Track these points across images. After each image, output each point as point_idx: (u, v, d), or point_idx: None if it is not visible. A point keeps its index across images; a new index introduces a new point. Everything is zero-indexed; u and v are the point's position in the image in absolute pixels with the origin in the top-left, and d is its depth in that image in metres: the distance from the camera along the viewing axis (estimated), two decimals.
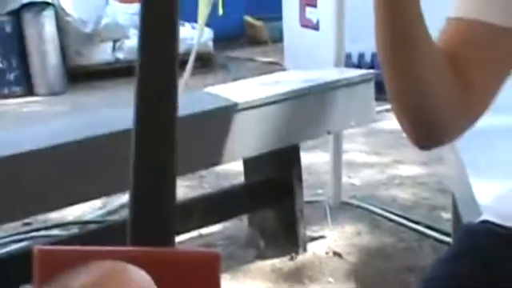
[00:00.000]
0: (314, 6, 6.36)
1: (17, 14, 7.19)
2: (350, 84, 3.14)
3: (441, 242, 3.14)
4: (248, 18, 9.00)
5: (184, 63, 3.97)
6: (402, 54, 0.97)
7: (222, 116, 2.76)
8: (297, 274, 2.99)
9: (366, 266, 3.03)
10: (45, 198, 2.31)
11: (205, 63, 7.56)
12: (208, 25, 6.31)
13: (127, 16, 7.49)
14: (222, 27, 7.67)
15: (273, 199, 3.14)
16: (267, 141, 2.88)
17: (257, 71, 6.40)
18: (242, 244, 3.24)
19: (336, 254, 3.12)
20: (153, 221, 0.62)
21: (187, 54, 4.90)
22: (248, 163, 3.16)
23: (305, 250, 3.12)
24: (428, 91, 0.99)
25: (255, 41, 8.82)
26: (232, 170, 3.86)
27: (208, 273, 0.59)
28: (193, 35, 6.42)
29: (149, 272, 0.56)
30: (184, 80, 4.06)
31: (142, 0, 0.65)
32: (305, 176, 3.35)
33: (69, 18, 7.32)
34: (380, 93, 2.23)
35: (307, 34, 6.49)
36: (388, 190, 3.87)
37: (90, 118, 3.11)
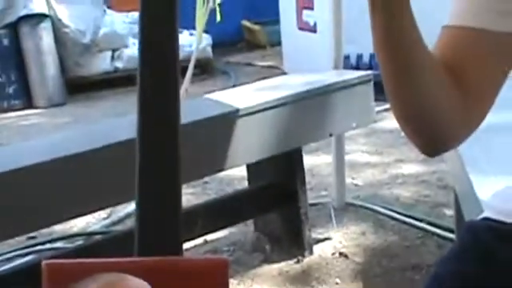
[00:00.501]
0: (311, 8, 6.36)
1: (14, 27, 7.16)
2: (349, 86, 3.14)
3: (444, 238, 3.15)
4: (245, 23, 8.99)
5: (183, 70, 3.97)
6: (398, 57, 0.99)
7: (224, 122, 2.76)
8: (304, 277, 2.99)
9: (372, 266, 3.03)
10: (49, 211, 2.31)
11: (204, 69, 7.56)
12: (206, 31, 6.32)
13: (125, 25, 7.48)
14: (220, 33, 7.68)
15: (277, 203, 3.14)
16: (270, 145, 2.88)
17: (256, 76, 6.40)
18: (248, 249, 3.24)
19: (342, 255, 3.12)
20: (160, 230, 0.63)
21: (186, 60, 4.91)
22: (251, 168, 3.17)
23: (311, 252, 3.12)
24: (427, 97, 1.01)
25: (253, 45, 8.80)
26: (235, 176, 3.86)
27: (217, 279, 0.60)
28: (191, 42, 6.41)
29: (158, 281, 0.56)
30: (184, 87, 4.06)
31: (142, 9, 0.65)
32: (308, 178, 3.35)
33: (66, 29, 7.30)
34: (379, 93, 2.23)
35: (305, 37, 6.48)
36: (391, 189, 3.87)
37: (91, 129, 3.11)
